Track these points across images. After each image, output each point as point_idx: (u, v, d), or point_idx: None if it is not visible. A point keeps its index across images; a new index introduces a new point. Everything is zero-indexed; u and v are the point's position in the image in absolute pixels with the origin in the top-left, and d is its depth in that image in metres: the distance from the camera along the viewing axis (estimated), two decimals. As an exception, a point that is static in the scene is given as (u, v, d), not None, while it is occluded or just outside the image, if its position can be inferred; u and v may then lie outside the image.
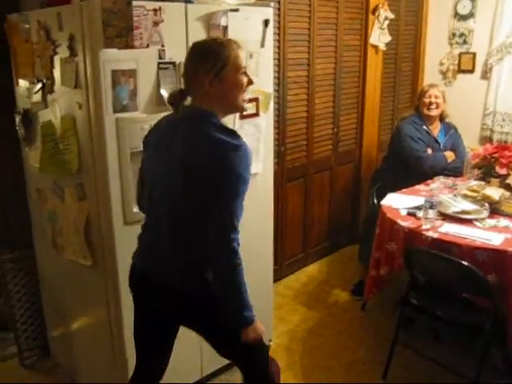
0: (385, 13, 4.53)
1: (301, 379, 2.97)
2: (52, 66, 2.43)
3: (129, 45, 2.16)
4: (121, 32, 2.13)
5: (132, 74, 2.26)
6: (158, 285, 2.05)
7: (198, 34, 2.46)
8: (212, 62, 1.88)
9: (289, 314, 3.70)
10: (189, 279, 2.00)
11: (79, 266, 2.58)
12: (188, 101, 1.97)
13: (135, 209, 2.37)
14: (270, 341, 3.31)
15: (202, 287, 2.00)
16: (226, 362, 3.04)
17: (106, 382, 2.69)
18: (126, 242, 2.39)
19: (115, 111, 2.23)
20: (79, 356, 2.97)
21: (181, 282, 2.00)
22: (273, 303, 3.29)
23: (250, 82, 1.98)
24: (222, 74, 1.89)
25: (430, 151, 3.94)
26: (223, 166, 1.82)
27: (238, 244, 1.91)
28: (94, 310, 2.71)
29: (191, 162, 1.87)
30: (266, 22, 2.74)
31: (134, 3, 2.16)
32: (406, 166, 3.89)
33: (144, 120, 2.32)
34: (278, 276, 4.05)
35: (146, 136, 2.10)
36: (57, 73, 2.41)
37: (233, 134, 1.89)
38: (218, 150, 1.83)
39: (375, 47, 4.59)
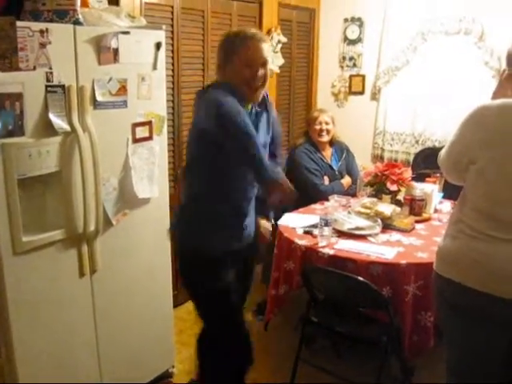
0: (278, 36, 4.64)
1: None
2: None
3: (14, 67, 2.08)
4: (4, 53, 2.05)
5: (18, 97, 2.16)
6: None
7: (88, 56, 2.41)
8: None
9: (191, 338, 3.62)
10: None
11: (-35, 300, 2.43)
12: None
13: (25, 238, 2.27)
14: (173, 367, 3.26)
15: None
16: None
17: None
18: (16, 272, 2.28)
19: (0, 136, 2.13)
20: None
21: None
22: (174, 328, 3.24)
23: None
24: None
25: (326, 179, 4.03)
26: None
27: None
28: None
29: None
30: (158, 45, 2.72)
31: (19, 24, 2.09)
32: (304, 193, 3.93)
33: (32, 145, 2.22)
34: (179, 301, 3.99)
35: None
36: None
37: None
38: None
39: (269, 70, 4.67)
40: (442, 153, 2.15)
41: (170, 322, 3.16)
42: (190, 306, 4.08)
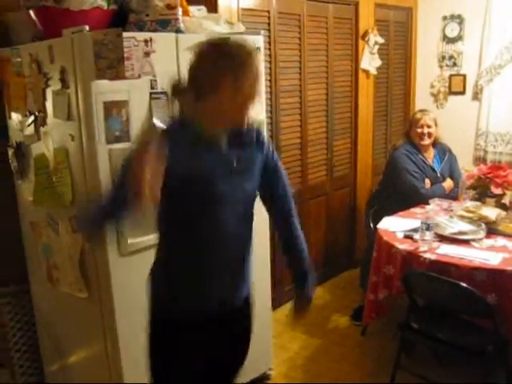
0: (374, 37, 4.57)
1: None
2: (44, 99, 2.43)
3: (120, 76, 2.17)
4: (112, 63, 2.14)
5: (124, 104, 2.26)
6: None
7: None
8: None
9: (288, 341, 3.66)
10: None
11: (75, 298, 2.56)
12: None
13: (130, 240, 2.36)
14: (270, 369, 3.28)
15: None
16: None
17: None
18: (122, 273, 2.38)
19: (108, 142, 2.23)
20: (77, 391, 2.92)
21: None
22: (272, 331, 3.25)
23: None
24: None
25: (428, 182, 3.90)
26: None
27: None
28: (91, 343, 2.67)
29: None
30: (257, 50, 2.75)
31: (125, 34, 2.18)
32: (404, 196, 3.85)
33: (137, 150, 2.31)
34: (277, 303, 4.01)
35: None
36: (49, 105, 2.42)
37: None
38: None
39: (366, 72, 4.63)
40: None
41: (268, 324, 3.17)
42: (288, 308, 4.11)
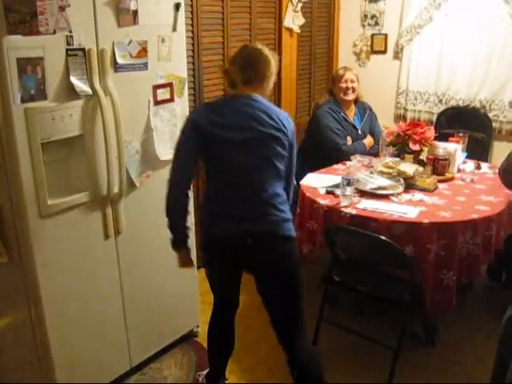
0: (298, -5, 4.57)
1: (230, 363, 2.97)
2: (-47, 56, 2.31)
3: (34, 31, 2.07)
4: (24, 18, 2.04)
5: (39, 61, 2.17)
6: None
7: (107, 18, 2.40)
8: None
9: (215, 298, 3.69)
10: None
11: (-5, 263, 2.49)
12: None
13: (50, 201, 2.31)
14: (198, 327, 3.31)
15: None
16: (155, 350, 3.05)
17: (31, 383, 2.63)
18: (43, 235, 2.33)
19: (23, 101, 2.15)
20: (1, 358, 2.86)
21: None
22: (199, 289, 3.28)
23: None
24: None
25: (349, 139, 4.00)
26: None
27: None
28: (15, 309, 2.61)
29: None
30: (177, 6, 2.70)
31: (38, -13, 2.08)
32: (326, 153, 3.93)
33: (54, 109, 2.24)
34: (203, 262, 4.02)
35: None
36: (-42, 63, 2.30)
37: None
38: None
39: (290, 30, 4.63)
40: None
41: (194, 282, 3.20)
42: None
